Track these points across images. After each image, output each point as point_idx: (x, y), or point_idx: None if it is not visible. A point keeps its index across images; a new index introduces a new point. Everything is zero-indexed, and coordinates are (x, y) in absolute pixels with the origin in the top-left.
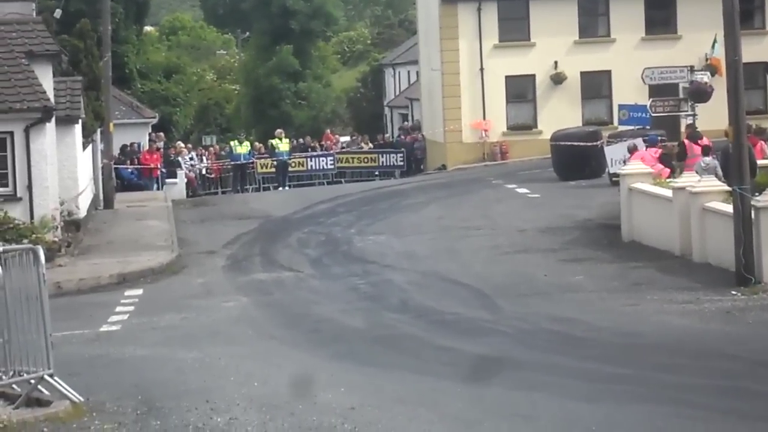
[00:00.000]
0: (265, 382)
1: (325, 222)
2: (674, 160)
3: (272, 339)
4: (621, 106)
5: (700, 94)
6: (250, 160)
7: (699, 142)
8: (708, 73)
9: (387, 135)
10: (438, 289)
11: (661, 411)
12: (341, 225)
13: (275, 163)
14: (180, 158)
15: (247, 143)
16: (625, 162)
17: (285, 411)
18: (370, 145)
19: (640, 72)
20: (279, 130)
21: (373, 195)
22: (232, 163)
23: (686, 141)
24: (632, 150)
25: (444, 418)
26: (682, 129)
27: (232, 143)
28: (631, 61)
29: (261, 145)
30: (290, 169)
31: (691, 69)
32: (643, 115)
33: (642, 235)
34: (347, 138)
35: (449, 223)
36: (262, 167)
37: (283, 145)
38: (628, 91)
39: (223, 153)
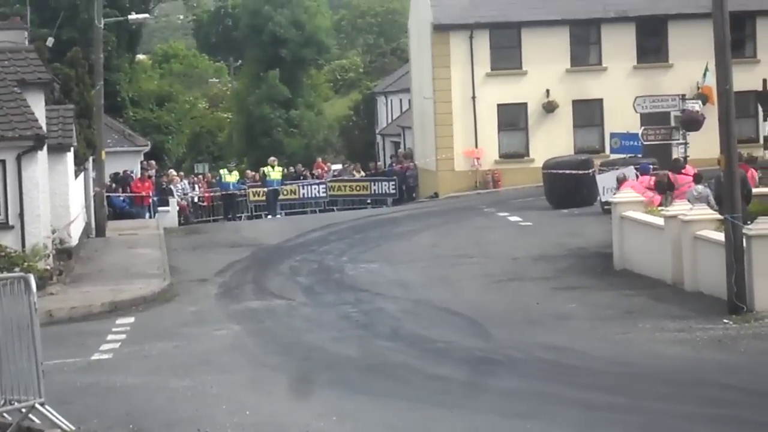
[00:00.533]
0: (256, 410)
1: (318, 250)
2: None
3: (264, 367)
4: (613, 135)
5: (692, 122)
6: (240, 189)
7: (683, 171)
8: (699, 102)
9: (379, 163)
10: (430, 318)
11: None
12: (333, 253)
13: (266, 190)
14: (172, 186)
15: (236, 172)
16: (614, 192)
17: None
18: (362, 173)
19: (632, 100)
20: (272, 158)
21: (365, 223)
22: (223, 191)
23: (670, 174)
24: (621, 181)
25: None
26: (674, 156)
27: (221, 172)
28: (622, 89)
29: (254, 173)
30: (282, 197)
31: (683, 98)
32: (635, 143)
33: (634, 263)
34: (339, 166)
35: (442, 251)
36: (254, 195)
37: (274, 173)
38: (620, 119)
39: (213, 181)
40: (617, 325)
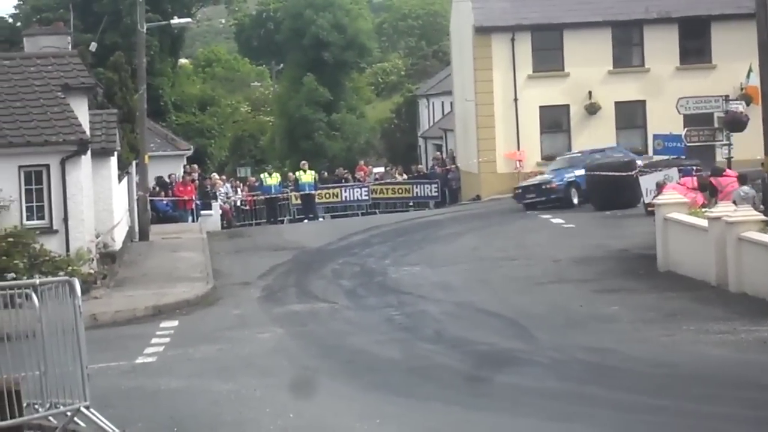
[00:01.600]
0: (300, 413)
1: (360, 253)
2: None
3: (307, 370)
4: (656, 136)
5: (736, 123)
6: (282, 192)
7: (724, 173)
8: (743, 103)
9: (421, 166)
10: (473, 320)
11: None
12: (376, 256)
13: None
14: (216, 190)
15: (277, 175)
16: (654, 197)
17: None
18: (405, 176)
19: (675, 102)
20: (303, 162)
21: (407, 226)
22: (265, 195)
23: (712, 179)
24: (661, 185)
25: None
26: (718, 158)
27: (262, 175)
28: (665, 90)
29: (293, 176)
30: (324, 200)
31: (726, 98)
32: (678, 144)
33: (678, 265)
34: (381, 169)
35: (484, 253)
36: (296, 198)
37: (306, 176)
38: (663, 120)
39: (256, 185)
40: (661, 327)
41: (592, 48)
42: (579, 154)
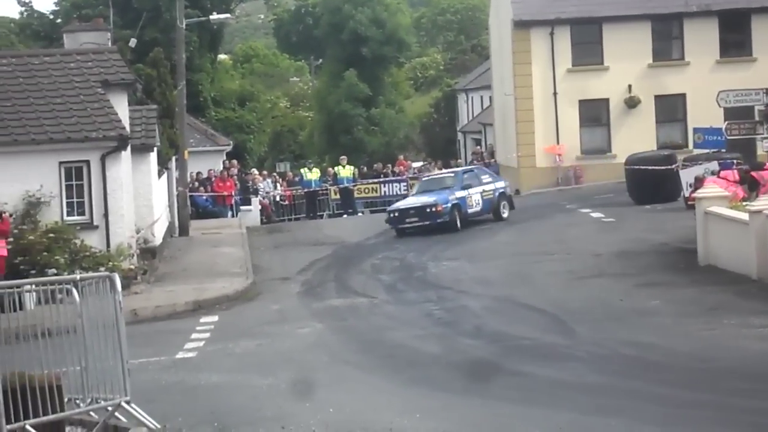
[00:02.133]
0: (340, 408)
1: (399, 248)
2: (747, 191)
3: (347, 365)
4: (696, 130)
5: None
6: (321, 187)
7: (765, 167)
8: None
9: (460, 160)
10: (512, 315)
11: None
12: (415, 251)
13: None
14: (256, 185)
15: (317, 170)
16: (693, 190)
17: None
18: (444, 170)
19: (715, 95)
20: (342, 157)
21: None
22: (304, 190)
23: (753, 173)
24: (700, 179)
25: None
26: (759, 152)
27: (302, 170)
28: (705, 84)
29: (332, 171)
30: (363, 195)
31: (767, 91)
32: (719, 138)
33: (718, 258)
34: (420, 163)
35: (523, 248)
36: (335, 193)
37: (345, 171)
38: (703, 114)
39: (295, 180)
40: (701, 321)
41: (632, 41)
42: (451, 174)
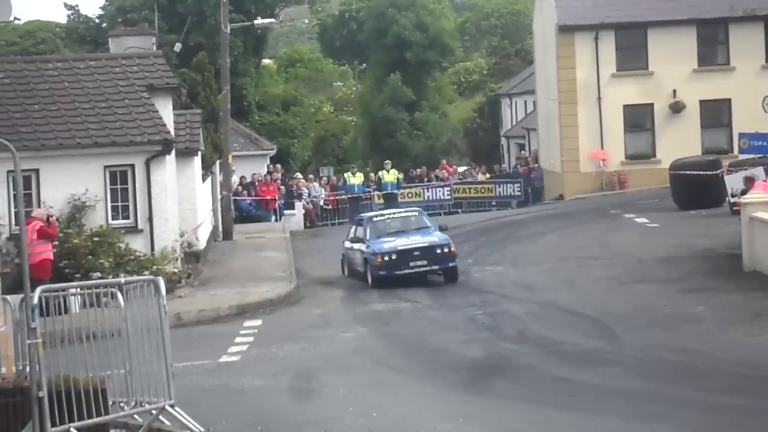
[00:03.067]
0: (383, 412)
1: None
2: None
3: (390, 369)
4: (741, 135)
5: None
6: (365, 191)
7: None
8: None
9: (504, 165)
10: (556, 320)
11: None
12: (459, 255)
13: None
14: (305, 188)
15: (360, 174)
16: (743, 194)
17: None
18: (487, 175)
19: (761, 100)
20: (387, 162)
21: (490, 225)
22: (347, 194)
23: None
24: (750, 181)
25: None
26: None
27: (345, 174)
28: (751, 88)
29: (376, 176)
30: (407, 199)
31: None
32: (764, 143)
33: (764, 265)
34: (464, 168)
35: (567, 253)
36: (378, 198)
37: (389, 176)
38: (749, 119)
39: (338, 184)
40: (746, 328)
41: (677, 46)
42: (414, 213)
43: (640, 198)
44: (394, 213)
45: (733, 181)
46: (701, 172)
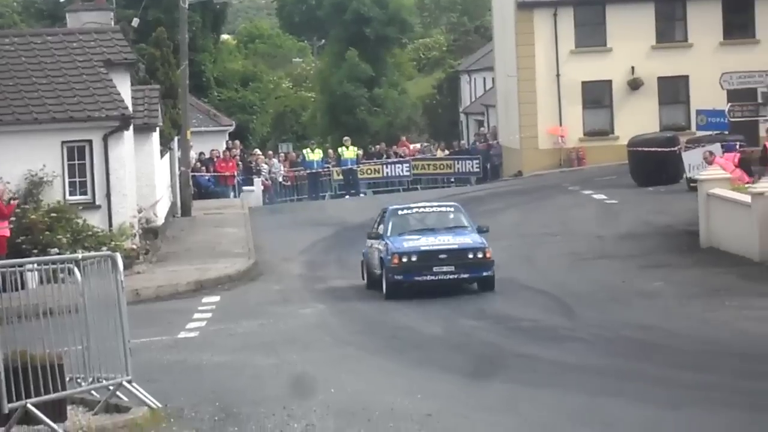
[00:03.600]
0: (341, 388)
1: None
2: (755, 165)
3: (349, 345)
4: (699, 111)
5: None
6: (324, 168)
7: None
8: None
9: (463, 142)
10: (516, 296)
11: (743, 418)
12: None
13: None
14: (264, 164)
15: (319, 150)
16: (703, 170)
17: (362, 417)
18: (446, 152)
19: (718, 77)
20: (346, 138)
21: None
22: (306, 170)
23: (767, 145)
24: (709, 159)
25: (525, 425)
26: (762, 134)
27: (304, 151)
28: (709, 65)
29: (335, 152)
30: (365, 176)
31: None
32: (722, 120)
33: (721, 241)
34: (422, 144)
35: (526, 229)
36: (337, 174)
37: (348, 152)
38: (706, 96)
39: (297, 161)
40: (704, 303)
41: (635, 23)
42: (450, 209)
43: (599, 174)
44: (425, 206)
45: (690, 158)
46: (659, 149)
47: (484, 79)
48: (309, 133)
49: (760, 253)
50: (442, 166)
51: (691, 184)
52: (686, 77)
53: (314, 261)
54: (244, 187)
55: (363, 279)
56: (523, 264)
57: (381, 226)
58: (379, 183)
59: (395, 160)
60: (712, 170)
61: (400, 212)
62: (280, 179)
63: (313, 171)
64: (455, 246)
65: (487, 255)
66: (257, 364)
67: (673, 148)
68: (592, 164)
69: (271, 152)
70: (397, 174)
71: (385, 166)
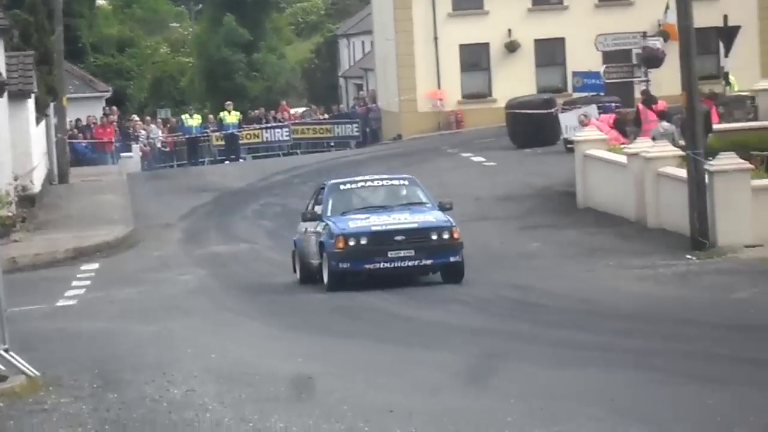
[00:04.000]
0: (222, 354)
1: (282, 194)
2: (629, 126)
3: (229, 311)
4: (575, 73)
5: (653, 59)
6: (203, 133)
7: (654, 107)
8: (661, 39)
9: (342, 106)
10: None
11: (622, 376)
12: (298, 196)
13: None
14: (142, 130)
15: (198, 116)
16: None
17: (242, 382)
18: (326, 116)
19: (594, 39)
20: (228, 102)
21: (328, 166)
22: (185, 136)
23: (640, 106)
24: (584, 122)
25: (405, 385)
26: (636, 95)
27: (183, 116)
28: (584, 28)
29: (216, 117)
30: (245, 141)
31: (644, 35)
32: (597, 81)
33: (597, 201)
34: (302, 109)
35: None
36: (216, 139)
37: (231, 117)
38: (583, 58)
39: (176, 126)
40: (582, 263)
41: None
42: (403, 182)
43: (477, 137)
44: (373, 179)
45: (567, 120)
46: (536, 111)
47: (363, 42)
48: (188, 99)
49: (635, 212)
50: (321, 131)
51: (568, 146)
52: (562, 39)
53: (194, 227)
54: (122, 154)
55: (294, 272)
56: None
57: (318, 207)
58: (258, 148)
59: (274, 124)
60: (588, 131)
61: (342, 187)
62: (159, 145)
63: (192, 136)
64: (415, 225)
65: (455, 236)
66: (137, 331)
67: (550, 110)
68: (471, 127)
69: (149, 118)
70: (277, 139)
71: (264, 131)
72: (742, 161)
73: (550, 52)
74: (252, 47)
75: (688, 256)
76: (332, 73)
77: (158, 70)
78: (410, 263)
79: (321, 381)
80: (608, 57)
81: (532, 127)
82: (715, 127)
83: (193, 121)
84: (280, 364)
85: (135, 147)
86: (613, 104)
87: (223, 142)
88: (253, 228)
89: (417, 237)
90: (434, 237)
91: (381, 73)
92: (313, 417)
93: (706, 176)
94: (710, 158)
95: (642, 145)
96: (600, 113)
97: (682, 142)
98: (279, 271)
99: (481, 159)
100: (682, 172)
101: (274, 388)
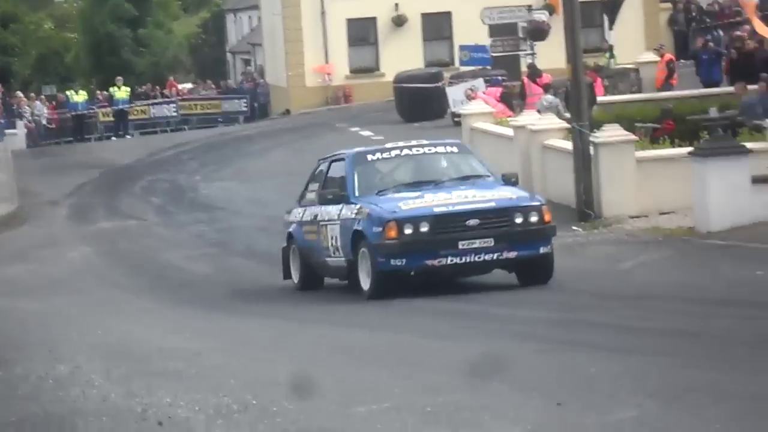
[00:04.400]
0: (109, 330)
1: (170, 170)
2: (516, 99)
3: (116, 287)
4: (462, 47)
5: (538, 33)
6: (89, 109)
7: (538, 80)
8: (546, 12)
9: (230, 81)
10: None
11: (506, 346)
12: (186, 172)
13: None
14: (27, 107)
15: (84, 92)
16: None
17: (129, 358)
18: (214, 91)
19: (480, 12)
20: (118, 78)
21: (217, 141)
22: (71, 113)
23: (525, 79)
24: (470, 96)
25: (289, 358)
26: (523, 68)
27: (68, 93)
28: (471, 2)
29: (102, 93)
30: (133, 116)
31: (529, 8)
32: (484, 55)
33: None
34: (190, 85)
35: (296, 167)
36: (103, 116)
37: (120, 92)
38: (469, 31)
39: (63, 103)
40: None
41: None
42: (453, 149)
43: (366, 111)
44: (409, 147)
45: (454, 93)
46: (424, 85)
47: (250, 17)
48: (73, 75)
49: (523, 184)
50: (209, 106)
51: (456, 119)
52: (449, 13)
53: (81, 204)
54: (6, 131)
55: (291, 277)
56: (292, 201)
57: (330, 183)
58: (146, 124)
59: (162, 100)
60: (475, 105)
61: (370, 157)
62: (44, 122)
63: (78, 113)
64: (491, 204)
65: (546, 218)
66: (22, 309)
67: (437, 84)
68: (360, 102)
69: (33, 94)
70: (165, 114)
71: (152, 107)
72: (627, 133)
73: (437, 26)
74: (138, 22)
75: (575, 228)
76: (219, 49)
77: (43, 46)
78: (487, 256)
79: (208, 356)
80: (494, 31)
81: (420, 101)
82: (600, 99)
83: (79, 97)
84: (169, 338)
85: (20, 124)
86: (500, 78)
87: (111, 119)
88: (141, 204)
89: (497, 221)
90: (519, 221)
91: (269, 47)
92: (200, 391)
93: (591, 148)
94: (595, 130)
95: (528, 118)
96: (487, 87)
97: (567, 115)
98: (168, 247)
99: (369, 133)
100: (568, 145)
101: (161, 363)
